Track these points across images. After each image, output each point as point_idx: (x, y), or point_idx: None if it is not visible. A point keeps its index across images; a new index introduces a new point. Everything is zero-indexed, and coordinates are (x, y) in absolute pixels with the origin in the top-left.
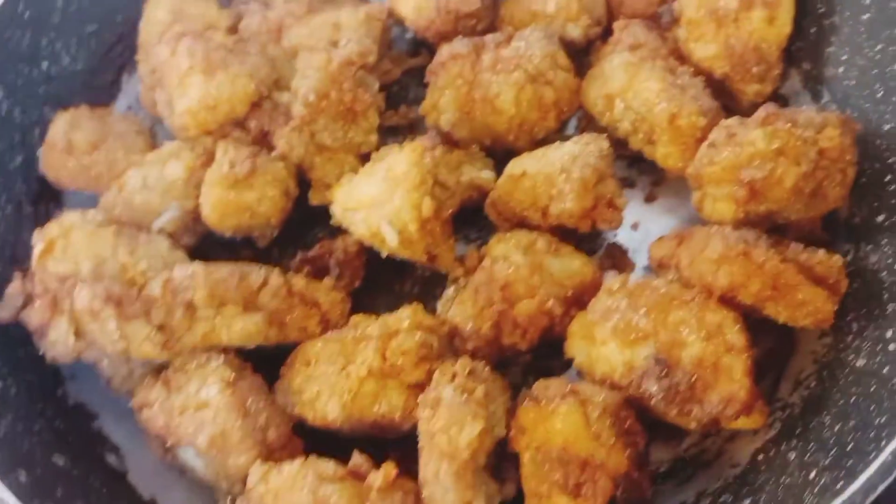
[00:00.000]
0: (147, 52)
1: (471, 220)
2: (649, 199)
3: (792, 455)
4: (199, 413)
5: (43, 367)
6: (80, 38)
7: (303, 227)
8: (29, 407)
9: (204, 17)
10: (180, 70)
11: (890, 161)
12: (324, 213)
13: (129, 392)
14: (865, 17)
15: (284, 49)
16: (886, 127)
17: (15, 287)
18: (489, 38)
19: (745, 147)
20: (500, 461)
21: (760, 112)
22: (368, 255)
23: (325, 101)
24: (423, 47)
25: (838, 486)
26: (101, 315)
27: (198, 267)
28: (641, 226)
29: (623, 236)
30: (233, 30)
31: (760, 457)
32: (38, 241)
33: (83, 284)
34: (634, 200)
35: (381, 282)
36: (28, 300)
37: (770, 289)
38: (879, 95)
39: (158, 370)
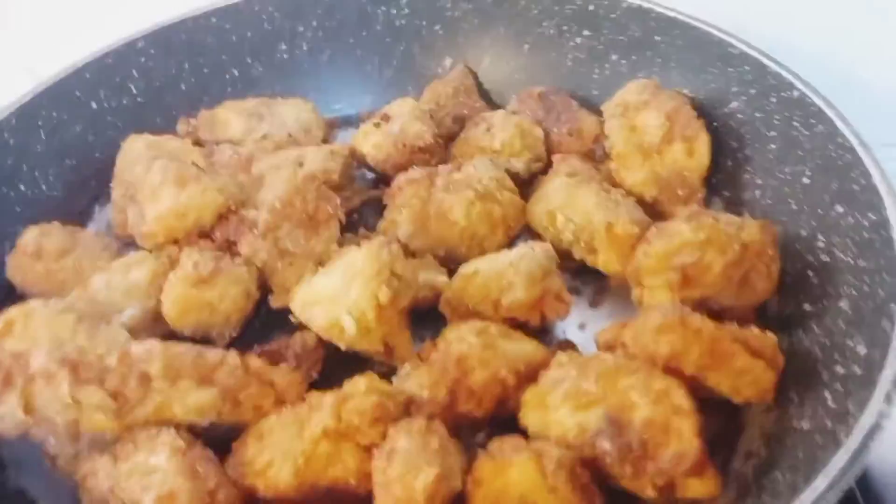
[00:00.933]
0: (121, 179)
1: (424, 321)
2: (594, 304)
3: None
4: (146, 477)
5: None
6: (59, 168)
7: (261, 332)
8: None
9: (178, 151)
10: (153, 183)
11: (809, 259)
12: (283, 320)
13: (74, 475)
14: (772, 146)
15: (252, 177)
16: (802, 233)
17: None
18: (441, 167)
19: (674, 238)
20: None
21: (685, 211)
22: (326, 351)
23: (290, 208)
24: (382, 183)
25: None
26: (56, 377)
27: (155, 342)
28: (588, 326)
29: (571, 334)
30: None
31: None
32: None
33: (40, 349)
34: (581, 306)
35: (337, 377)
36: None
37: (709, 356)
38: (794, 209)
39: (102, 450)
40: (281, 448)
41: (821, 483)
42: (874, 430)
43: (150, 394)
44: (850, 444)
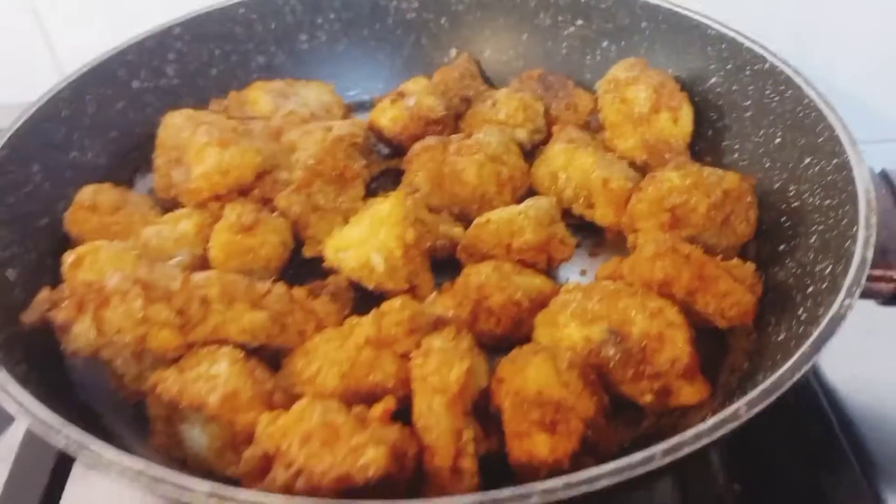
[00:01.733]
0: (165, 148)
1: (442, 270)
2: (592, 254)
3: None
4: (211, 381)
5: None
6: (104, 140)
7: (294, 280)
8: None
9: (217, 121)
10: (199, 144)
11: (782, 207)
12: (314, 270)
13: (138, 393)
14: (748, 114)
15: (283, 144)
16: (776, 186)
17: (43, 295)
18: (453, 136)
19: (664, 183)
20: (483, 422)
21: (672, 161)
22: (356, 294)
23: (322, 166)
24: (398, 156)
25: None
26: (130, 294)
27: (213, 271)
28: (588, 273)
29: (574, 279)
30: None
31: (709, 415)
32: (71, 255)
33: (115, 271)
34: (580, 256)
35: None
36: (53, 306)
37: (697, 279)
38: (767, 166)
39: (169, 366)
40: (327, 357)
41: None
42: (838, 316)
43: (210, 314)
44: (821, 325)
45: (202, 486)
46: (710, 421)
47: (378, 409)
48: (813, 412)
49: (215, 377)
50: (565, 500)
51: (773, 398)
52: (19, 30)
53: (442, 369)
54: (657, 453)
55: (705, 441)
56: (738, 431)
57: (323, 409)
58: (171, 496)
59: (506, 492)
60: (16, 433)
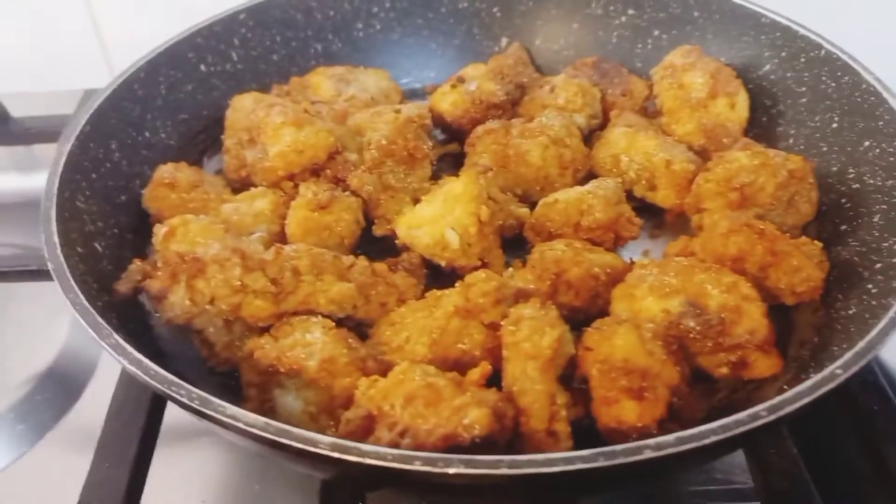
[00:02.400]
0: (234, 129)
1: (509, 248)
2: (653, 236)
3: (812, 374)
4: (308, 347)
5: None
6: (174, 121)
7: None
8: None
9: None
10: (274, 124)
11: (842, 189)
12: (384, 248)
13: (228, 361)
14: (803, 100)
15: (349, 127)
16: (833, 169)
17: (135, 266)
18: (515, 120)
19: (733, 163)
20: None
21: (740, 143)
22: (428, 270)
23: (393, 145)
24: (454, 140)
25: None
26: (228, 263)
27: (301, 244)
28: (651, 253)
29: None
30: None
31: (785, 387)
32: (163, 227)
33: (213, 241)
34: (642, 237)
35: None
36: (146, 276)
37: (770, 254)
38: (824, 150)
39: (260, 336)
40: (416, 326)
41: (881, 327)
42: None
43: (301, 284)
44: None
45: (324, 440)
46: (809, 382)
47: (476, 374)
48: (869, 385)
49: (312, 344)
50: (672, 456)
51: (867, 359)
52: (69, 18)
53: (534, 336)
54: (761, 411)
55: (805, 400)
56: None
57: (423, 371)
58: (294, 450)
59: (619, 448)
60: (79, 411)
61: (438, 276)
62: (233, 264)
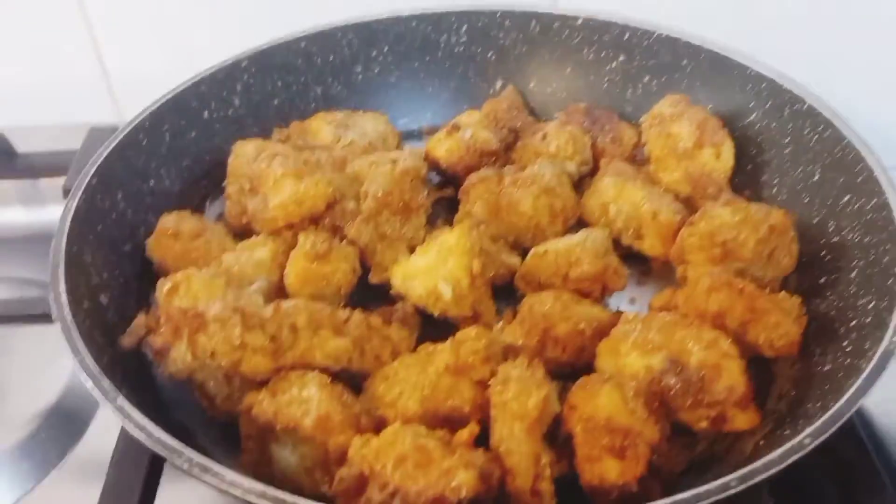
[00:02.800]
0: (236, 176)
1: (499, 296)
2: (640, 283)
3: (787, 431)
4: (303, 405)
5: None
6: (178, 167)
7: (361, 306)
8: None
9: (285, 152)
10: (275, 175)
11: (822, 241)
12: (378, 294)
13: (228, 413)
14: (786, 151)
15: (347, 175)
16: (815, 220)
17: (140, 320)
18: (507, 168)
19: (715, 219)
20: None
21: (723, 198)
22: (421, 318)
23: (390, 197)
24: (450, 184)
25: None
26: (230, 322)
27: (299, 299)
28: (637, 301)
29: (624, 308)
30: None
31: (762, 443)
32: (166, 283)
33: (215, 299)
34: (629, 284)
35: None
36: (149, 331)
37: (750, 312)
38: (806, 201)
39: (257, 390)
40: (408, 382)
41: (847, 396)
42: (888, 352)
43: (298, 340)
44: (873, 361)
45: None
46: (779, 451)
47: (464, 435)
48: (845, 433)
49: (307, 401)
50: None
51: (835, 428)
52: (74, 52)
53: (521, 396)
54: (731, 481)
55: (774, 470)
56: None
57: (414, 433)
58: None
59: None
60: (84, 448)
61: (432, 323)
62: (234, 324)
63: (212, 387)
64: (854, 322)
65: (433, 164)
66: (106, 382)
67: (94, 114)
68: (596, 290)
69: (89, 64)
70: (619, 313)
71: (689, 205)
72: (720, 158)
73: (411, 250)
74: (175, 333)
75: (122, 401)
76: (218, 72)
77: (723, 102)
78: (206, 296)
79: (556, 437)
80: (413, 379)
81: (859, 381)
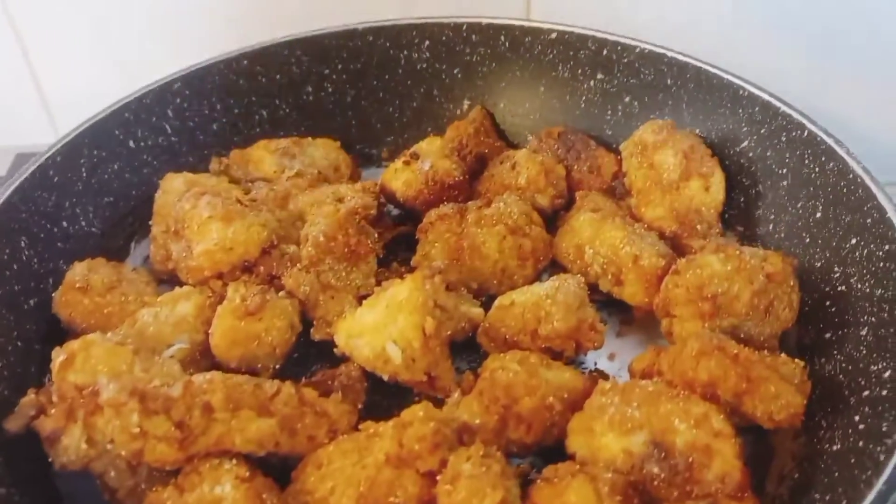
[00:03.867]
0: (162, 216)
1: (460, 352)
2: (620, 334)
3: None
4: None
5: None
6: (97, 205)
7: (302, 365)
8: None
9: (218, 188)
10: (201, 219)
11: (826, 290)
12: (322, 351)
13: None
14: (784, 183)
15: (290, 212)
16: (817, 265)
17: (28, 400)
18: (470, 203)
19: (704, 269)
20: None
21: (712, 244)
22: (369, 382)
23: (333, 242)
24: (409, 220)
25: None
26: (126, 408)
27: (215, 373)
28: (617, 356)
29: (602, 364)
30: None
31: None
32: (61, 353)
33: (109, 380)
34: (608, 336)
35: (380, 409)
36: (40, 411)
37: (745, 381)
38: (807, 241)
39: (166, 482)
40: (343, 475)
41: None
42: None
43: (213, 424)
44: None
45: None
46: None
47: None
48: None
49: (218, 502)
50: None
51: None
52: (6, 71)
53: (472, 500)
54: None
55: None
56: None
57: None
58: None
59: None
60: None
61: (384, 386)
62: (130, 410)
63: (113, 478)
64: (866, 393)
65: (390, 197)
66: None
67: (29, 136)
68: (569, 349)
69: (22, 82)
70: (594, 378)
71: (676, 243)
72: (709, 191)
73: (360, 300)
74: (68, 416)
75: None
76: (144, 95)
77: (712, 127)
78: (109, 368)
79: None
80: (348, 471)
81: (879, 485)
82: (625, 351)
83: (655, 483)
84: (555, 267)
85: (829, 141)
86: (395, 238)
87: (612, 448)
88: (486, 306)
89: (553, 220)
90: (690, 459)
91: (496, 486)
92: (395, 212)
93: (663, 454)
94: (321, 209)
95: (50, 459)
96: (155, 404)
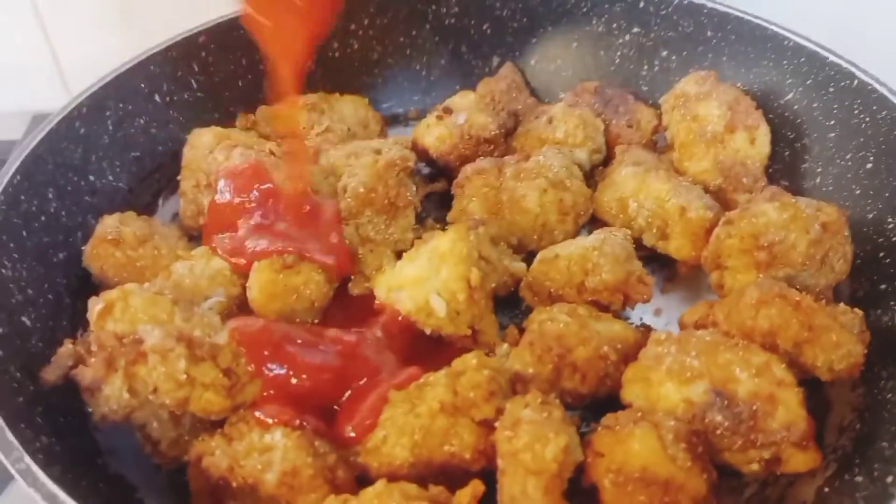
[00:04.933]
0: (191, 170)
1: (500, 308)
2: (664, 291)
3: (859, 477)
4: (265, 454)
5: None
6: (124, 160)
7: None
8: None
9: (248, 142)
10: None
11: (879, 241)
12: (360, 306)
13: (176, 459)
14: (831, 135)
15: (322, 167)
16: (869, 216)
17: (66, 350)
18: (508, 158)
19: (759, 217)
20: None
21: (766, 192)
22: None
23: (373, 193)
24: (442, 176)
25: None
26: (172, 354)
27: (259, 320)
28: (664, 312)
29: (648, 320)
30: None
31: (826, 489)
32: (98, 302)
33: (154, 326)
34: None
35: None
36: (78, 362)
37: (807, 329)
38: (857, 193)
39: (210, 434)
40: (396, 424)
41: None
42: None
43: None
44: None
45: None
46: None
47: (466, 496)
48: None
49: (271, 449)
50: None
51: None
52: (21, 35)
53: (535, 445)
54: None
55: None
56: None
57: (401, 495)
58: None
59: None
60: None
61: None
62: (177, 356)
63: (155, 429)
64: None
65: (422, 154)
66: (10, 437)
67: (44, 101)
68: (616, 302)
69: (37, 46)
70: (646, 330)
71: (720, 198)
72: (755, 144)
73: (398, 256)
74: (109, 366)
75: (27, 462)
76: (170, 48)
77: (754, 80)
78: (148, 317)
79: (578, 486)
80: (401, 420)
81: None
82: (670, 307)
83: (718, 432)
84: (594, 224)
85: (882, 90)
86: (427, 196)
87: (671, 397)
88: (525, 263)
89: (591, 177)
90: (755, 408)
91: (559, 432)
92: (426, 170)
93: (726, 402)
94: (359, 160)
95: (90, 410)
96: (202, 351)
